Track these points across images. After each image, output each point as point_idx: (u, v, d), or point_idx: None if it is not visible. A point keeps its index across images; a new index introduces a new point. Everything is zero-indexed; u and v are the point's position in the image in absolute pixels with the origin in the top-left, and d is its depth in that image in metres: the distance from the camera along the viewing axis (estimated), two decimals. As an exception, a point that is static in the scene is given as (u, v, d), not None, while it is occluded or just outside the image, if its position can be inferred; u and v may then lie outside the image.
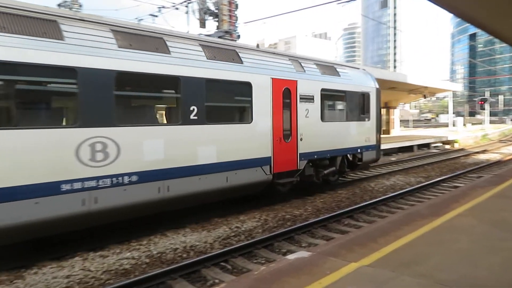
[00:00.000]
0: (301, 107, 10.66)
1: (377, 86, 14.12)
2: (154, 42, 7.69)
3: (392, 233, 5.83)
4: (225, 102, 9.46)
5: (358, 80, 13.23)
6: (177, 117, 7.98)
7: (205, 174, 8.23)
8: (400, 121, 41.97)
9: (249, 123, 9.31)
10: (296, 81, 10.53)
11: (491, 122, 61.03)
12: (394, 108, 35.60)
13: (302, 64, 11.07)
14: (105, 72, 6.73)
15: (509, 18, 10.70)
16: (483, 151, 25.50)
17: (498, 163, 19.19)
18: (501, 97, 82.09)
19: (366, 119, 13.39)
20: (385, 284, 4.06)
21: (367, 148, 13.42)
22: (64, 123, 6.94)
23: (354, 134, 12.80)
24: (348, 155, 12.72)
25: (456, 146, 29.91)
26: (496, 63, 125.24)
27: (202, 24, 18.26)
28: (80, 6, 22.45)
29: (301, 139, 10.60)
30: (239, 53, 9.33)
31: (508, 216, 6.66)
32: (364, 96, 13.26)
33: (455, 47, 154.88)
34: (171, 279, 5.80)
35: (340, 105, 12.65)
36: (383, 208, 10.26)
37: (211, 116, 8.43)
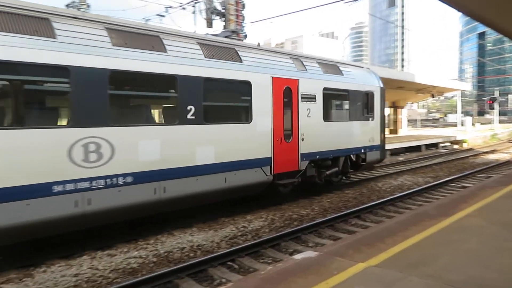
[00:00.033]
0: (303, 106, 10.49)
1: (382, 85, 13.88)
2: (150, 40, 7.57)
3: (400, 233, 5.80)
4: (223, 102, 9.29)
5: (362, 79, 13.00)
6: (174, 117, 7.84)
7: (203, 175, 8.10)
8: (408, 120, 41.72)
9: (249, 123, 9.15)
10: (298, 80, 10.36)
11: (500, 121, 60.43)
12: (402, 107, 35.38)
13: (304, 63, 10.90)
14: (99, 71, 6.62)
15: (519, 16, 10.58)
16: (492, 151, 25.25)
17: (507, 163, 18.98)
18: (510, 96, 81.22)
19: (370, 119, 13.17)
20: (393, 285, 4.03)
21: (371, 148, 13.19)
22: (56, 123, 6.74)
23: (358, 134, 12.58)
24: (352, 156, 12.49)
25: (465, 146, 29.66)
26: (506, 62, 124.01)
27: (209, 24, 18.29)
28: (88, 6, 22.57)
29: (302, 139, 10.43)
30: (238, 52, 9.19)
31: (517, 217, 6.59)
32: (368, 96, 13.04)
33: (463, 46, 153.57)
34: (178, 278, 5.82)
35: (343, 105, 12.46)
36: (391, 208, 10.21)
37: (209, 115, 8.31)
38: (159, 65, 7.44)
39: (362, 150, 12.78)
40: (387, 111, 42.05)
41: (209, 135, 8.25)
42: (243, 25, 18.30)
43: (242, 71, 8.99)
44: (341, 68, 12.22)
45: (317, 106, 10.94)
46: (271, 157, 9.60)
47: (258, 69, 9.38)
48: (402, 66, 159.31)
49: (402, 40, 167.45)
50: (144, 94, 8.29)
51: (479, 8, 9.98)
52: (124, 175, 6.90)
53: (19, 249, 6.70)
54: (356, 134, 12.51)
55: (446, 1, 9.13)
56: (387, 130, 36.16)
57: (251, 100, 9.19)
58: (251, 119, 9.18)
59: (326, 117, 11.30)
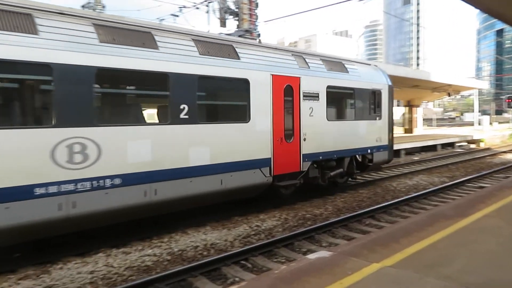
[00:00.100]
0: (305, 105, 10.13)
1: (390, 83, 13.40)
2: (141, 36, 7.30)
3: (415, 233, 5.71)
4: (219, 100, 9.06)
5: (369, 76, 12.55)
6: (165, 116, 7.57)
7: (197, 176, 7.81)
8: (423, 119, 41.13)
9: (246, 122, 8.80)
10: (299, 77, 9.99)
11: (519, 120, 59.06)
12: (417, 106, 34.92)
13: (307, 60, 10.51)
14: (84, 68, 6.35)
15: (539, 13, 10.34)
16: (511, 151, 24.73)
17: (526, 163, 18.57)
18: (529, 95, 79.30)
19: (377, 118, 12.71)
20: (409, 286, 3.98)
21: (378, 148, 12.74)
22: (38, 123, 6.45)
23: (364, 133, 12.14)
24: (357, 156, 12.06)
25: (482, 145, 29.12)
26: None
27: (223, 23, 18.32)
28: (103, 7, 22.84)
29: (304, 139, 10.08)
30: (236, 49, 8.87)
31: (537, 218, 6.43)
32: (375, 94, 12.58)
33: (481, 44, 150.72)
34: (192, 277, 5.85)
35: (348, 103, 12.01)
36: (406, 208, 10.08)
37: (203, 115, 8.09)
38: (150, 62, 7.16)
39: (369, 151, 12.35)
40: (402, 110, 41.55)
41: (203, 135, 7.96)
42: (256, 24, 18.29)
43: (240, 69, 8.66)
44: (346, 66, 11.81)
45: (320, 105, 10.58)
46: (270, 158, 9.28)
47: (256, 66, 9.06)
48: (418, 65, 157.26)
49: (418, 38, 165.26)
50: (134, 92, 7.94)
51: (497, 5, 9.79)
52: (112, 177, 6.65)
53: (36, 246, 6.82)
54: (362, 134, 12.08)
55: (464, -2, 8.98)
56: (402, 129, 35.89)
57: (249, 98, 8.85)
58: (249, 119, 8.85)
59: (330, 116, 10.93)
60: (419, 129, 35.17)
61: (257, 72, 9.02)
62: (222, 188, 8.29)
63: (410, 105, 34.66)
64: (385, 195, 11.73)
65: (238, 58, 8.72)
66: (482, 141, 29.71)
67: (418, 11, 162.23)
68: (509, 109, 54.83)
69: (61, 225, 6.26)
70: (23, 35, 5.83)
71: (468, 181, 13.55)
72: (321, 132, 10.59)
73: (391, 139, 13.37)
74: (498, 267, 4.44)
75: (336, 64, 11.46)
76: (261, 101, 9.10)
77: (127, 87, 7.75)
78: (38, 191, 5.89)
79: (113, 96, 7.86)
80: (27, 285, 5.67)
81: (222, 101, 9.17)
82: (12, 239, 6.02)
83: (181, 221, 8.58)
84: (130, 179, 6.86)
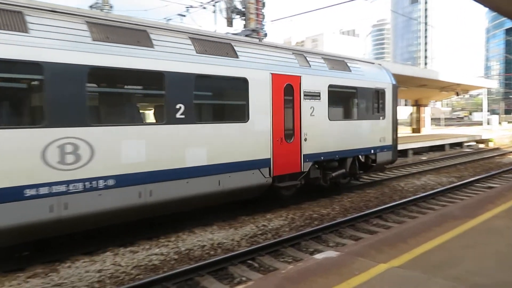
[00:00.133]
0: (306, 104, 9.93)
1: (394, 82, 13.17)
2: (136, 35, 7.17)
3: (423, 234, 5.67)
4: (217, 100, 8.88)
5: (372, 75, 12.34)
6: (161, 116, 7.43)
7: (194, 177, 7.66)
8: (431, 119, 40.84)
9: (245, 122, 8.63)
10: (300, 76, 9.80)
11: (529, 120, 58.44)
12: (425, 106, 34.68)
13: (308, 59, 10.32)
14: (76, 67, 6.21)
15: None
16: (520, 151, 24.46)
17: (536, 163, 18.36)
18: (539, 94, 78.49)
19: (381, 118, 12.49)
20: (417, 287, 3.95)
21: (382, 148, 12.50)
22: (28, 123, 6.28)
23: (367, 133, 11.92)
24: (360, 156, 11.85)
25: (491, 145, 28.85)
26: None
27: (229, 23, 18.33)
28: (111, 7, 22.95)
29: (305, 139, 9.89)
30: (235, 47, 8.70)
31: (547, 219, 6.36)
32: (379, 93, 12.35)
33: (490, 43, 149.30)
34: (199, 276, 5.86)
35: (350, 103, 11.73)
36: (413, 209, 10.01)
37: (200, 114, 7.92)
38: (145, 61, 7.02)
39: (372, 151, 12.12)
40: (410, 109, 41.27)
41: (201, 135, 7.81)
42: (263, 23, 18.27)
43: (238, 67, 8.49)
44: (349, 64, 11.59)
45: (322, 104, 10.38)
46: (270, 158, 9.11)
47: (255, 65, 8.88)
48: (425, 64, 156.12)
49: (425, 37, 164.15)
50: (128, 92, 7.80)
51: (506, 3, 9.68)
52: (105, 178, 6.52)
53: (45, 244, 6.88)
54: (365, 133, 11.85)
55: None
56: (409, 129, 35.63)
57: (247, 98, 8.67)
58: (248, 118, 8.67)
59: (332, 115, 10.70)
60: (427, 128, 34.92)
61: (256, 71, 8.85)
62: (220, 189, 8.15)
63: (417, 104, 34.42)
64: (393, 195, 11.66)
65: (237, 56, 8.58)
66: (491, 141, 29.43)
67: (426, 9, 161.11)
68: (518, 108, 54.22)
69: (53, 227, 6.14)
70: (13, 33, 5.73)
71: (477, 181, 13.42)
72: (322, 132, 10.40)
73: (395, 139, 13.13)
74: (507, 268, 4.39)
75: (338, 63, 11.28)
76: (260, 100, 8.93)
77: (121, 86, 7.62)
78: (29, 192, 5.77)
79: (107, 96, 7.69)
80: (36, 283, 5.72)
81: (220, 100, 9.00)
82: (2, 241, 5.89)
83: (188, 220, 8.61)
84: (124, 180, 6.73)
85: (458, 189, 12.23)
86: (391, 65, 25.57)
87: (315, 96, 10.20)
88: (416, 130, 34.31)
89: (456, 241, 5.33)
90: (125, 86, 7.67)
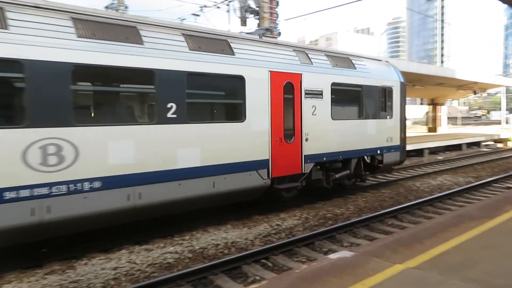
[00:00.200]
0: (307, 103, 9.54)
1: (402, 80, 12.69)
2: (125, 31, 6.90)
3: (440, 234, 5.59)
4: (211, 99, 8.50)
5: (379, 73, 11.85)
6: (151, 115, 7.20)
7: (186, 179, 7.39)
8: (448, 118, 40.21)
9: (242, 121, 8.31)
10: (301, 74, 9.42)
11: (549, 119, 57.02)
12: (442, 104, 34.18)
13: (310, 56, 9.94)
14: (59, 65, 5.97)
15: None
16: (540, 150, 23.91)
17: (557, 163, 17.91)
18: (560, 92, 76.47)
19: (388, 117, 12.00)
20: (433, 288, 3.89)
21: (389, 149, 12.01)
22: (8, 123, 5.95)
23: (373, 133, 11.44)
24: (365, 157, 11.45)
25: (510, 144, 28.28)
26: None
27: (243, 22, 18.35)
28: (126, 7, 23.22)
29: (306, 139, 9.51)
30: (231, 44, 8.40)
31: None
32: (386, 91, 11.88)
33: (509, 40, 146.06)
34: (213, 275, 5.88)
35: (355, 101, 11.23)
36: (429, 209, 9.87)
37: (194, 114, 7.61)
38: (134, 58, 6.77)
39: (378, 151, 11.66)
40: (425, 108, 40.70)
41: (194, 136, 7.53)
42: (277, 22, 18.24)
43: (234, 65, 8.18)
44: (353, 61, 11.17)
45: (324, 103, 9.98)
46: (268, 159, 8.77)
47: (253, 62, 8.55)
48: (442, 62, 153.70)
49: (442, 34, 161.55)
50: (115, 90, 7.52)
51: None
52: (91, 180, 6.27)
53: (62, 242, 6.99)
54: (370, 133, 11.38)
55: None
56: (425, 128, 35.14)
57: (244, 96, 8.33)
58: (245, 118, 8.35)
59: (335, 115, 10.26)
60: (443, 127, 34.41)
61: (253, 68, 8.53)
62: (214, 191, 7.88)
63: (434, 103, 33.95)
64: (408, 195, 11.52)
65: (233, 53, 8.28)
66: (509, 140, 28.86)
67: (442, 7, 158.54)
68: (538, 107, 53.02)
69: (35, 231, 5.92)
70: None
71: (495, 181, 13.15)
72: (325, 132, 10.03)
73: (403, 139, 12.65)
74: (527, 270, 4.29)
75: (342, 60, 10.88)
76: (258, 99, 8.61)
77: (108, 85, 7.35)
78: (8, 195, 5.55)
79: (92, 95, 7.35)
80: (53, 280, 5.82)
81: (214, 99, 8.60)
82: None
83: (202, 219, 8.65)
84: (111, 182, 6.49)
85: (476, 189, 12.01)
86: (406, 63, 25.28)
87: (317, 94, 9.84)
88: (432, 129, 33.86)
89: (473, 242, 5.23)
90: (112, 85, 7.39)
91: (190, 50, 7.60)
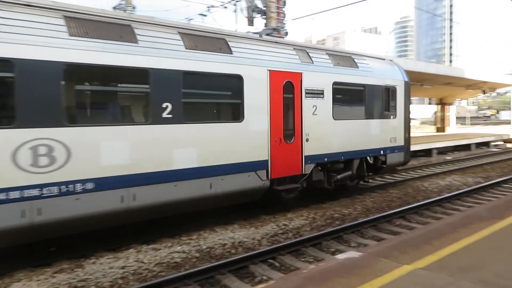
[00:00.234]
0: (307, 103, 9.38)
1: (406, 79, 12.48)
2: (118, 30, 6.81)
3: (449, 235, 5.54)
4: (208, 98, 8.29)
5: (382, 72, 11.67)
6: (145, 115, 7.09)
7: (182, 180, 7.28)
8: (456, 118, 39.89)
9: (240, 121, 8.18)
10: (301, 73, 9.27)
11: (560, 119, 56.29)
12: (450, 104, 33.89)
13: (310, 54, 9.78)
14: (51, 64, 5.88)
15: None
16: (551, 150, 23.61)
17: None
18: None
19: (392, 117, 11.79)
20: (442, 289, 3.86)
21: (393, 149, 11.80)
22: None
23: (376, 133, 11.24)
24: (368, 158, 11.25)
25: (520, 144, 27.95)
26: None
27: (250, 22, 18.35)
28: (134, 8, 23.32)
29: (307, 140, 9.35)
30: (229, 42, 8.28)
31: None
32: (389, 91, 11.67)
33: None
34: (220, 274, 5.89)
35: (357, 101, 11.02)
36: (438, 209, 9.80)
37: (190, 114, 7.48)
38: (127, 57, 6.66)
39: (382, 152, 11.46)
40: (434, 108, 40.37)
41: (190, 136, 7.41)
42: (284, 22, 18.21)
43: (232, 64, 8.05)
44: (356, 60, 10.98)
45: (325, 103, 9.80)
46: (267, 160, 8.63)
47: (251, 61, 8.41)
48: (450, 61, 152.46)
49: (450, 34, 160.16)
50: (108, 90, 7.38)
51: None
52: (84, 181, 6.17)
53: (71, 241, 7.05)
54: (373, 133, 11.18)
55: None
56: (433, 128, 34.86)
57: (242, 96, 8.20)
58: (243, 118, 8.21)
59: (336, 115, 10.08)
60: (452, 127, 34.13)
61: (251, 67, 8.39)
62: (211, 193, 7.76)
63: (442, 103, 33.67)
64: (416, 195, 11.44)
65: (231, 52, 8.16)
66: (519, 140, 28.51)
67: (451, 5, 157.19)
68: (549, 106, 52.40)
69: (25, 233, 5.83)
70: None
71: (505, 181, 13.01)
72: (326, 132, 9.87)
73: (407, 139, 12.45)
74: (538, 272, 4.24)
75: (344, 59, 10.71)
76: (257, 98, 8.46)
77: (101, 84, 7.22)
78: None
79: (85, 94, 7.14)
80: (62, 279, 5.87)
81: (211, 99, 8.38)
82: None
83: (209, 219, 8.67)
84: (104, 184, 6.39)
85: (485, 189, 11.89)
86: (414, 63, 25.11)
87: (318, 94, 9.67)
88: (441, 129, 33.59)
89: (483, 243, 5.18)
90: (105, 84, 7.27)
91: (186, 49, 7.51)
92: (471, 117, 72.02)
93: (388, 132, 11.73)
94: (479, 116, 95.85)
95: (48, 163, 5.85)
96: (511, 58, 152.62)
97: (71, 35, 6.19)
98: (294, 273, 4.62)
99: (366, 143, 10.98)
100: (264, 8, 17.95)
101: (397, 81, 12.14)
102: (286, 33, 17.82)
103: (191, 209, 7.98)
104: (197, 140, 7.53)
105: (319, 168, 10.01)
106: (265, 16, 17.95)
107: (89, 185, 6.24)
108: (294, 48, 9.67)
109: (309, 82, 9.46)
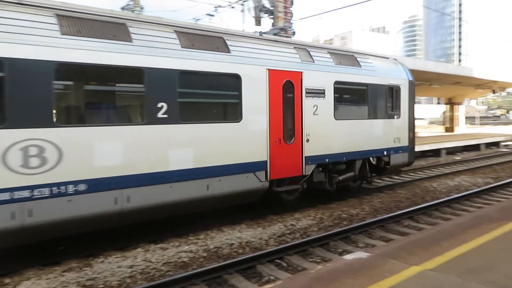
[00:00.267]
0: (308, 103, 9.21)
1: (411, 78, 12.24)
2: (112, 29, 6.70)
3: (457, 236, 5.50)
4: (205, 98, 8.09)
5: (386, 71, 11.46)
6: (140, 115, 6.98)
7: (178, 181, 7.16)
8: (466, 118, 39.51)
9: (238, 121, 8.05)
10: (301, 72, 9.10)
11: None
12: (459, 104, 33.58)
13: (311, 53, 9.62)
14: (42, 63, 5.79)
15: None
16: (562, 151, 23.29)
17: None
18: None
19: (396, 117, 11.58)
20: (451, 291, 3.83)
21: (397, 150, 11.59)
22: None
23: (379, 134, 11.04)
24: (371, 158, 11.07)
25: (530, 144, 27.59)
26: None
27: (258, 22, 18.35)
28: (142, 8, 23.44)
29: (307, 140, 9.19)
30: (227, 41, 8.15)
31: None
32: (393, 90, 11.47)
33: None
34: (227, 274, 5.90)
35: (360, 101, 10.84)
36: (447, 210, 9.71)
37: (186, 114, 7.35)
38: (121, 56, 6.55)
39: (385, 152, 11.26)
40: (442, 108, 40.01)
41: (186, 136, 7.29)
42: (291, 22, 18.18)
43: (229, 63, 7.93)
44: (358, 59, 10.78)
45: (327, 103, 9.62)
46: (266, 161, 8.49)
47: (250, 60, 8.28)
48: (459, 61, 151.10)
49: (460, 33, 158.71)
50: (101, 89, 7.24)
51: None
52: (76, 183, 6.06)
53: (79, 240, 7.11)
54: (376, 134, 10.99)
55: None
56: (442, 128, 34.55)
57: (240, 95, 8.07)
58: (241, 118, 8.09)
59: (338, 114, 9.91)
60: (461, 127, 33.83)
61: (250, 66, 8.25)
62: (208, 194, 7.63)
63: (451, 102, 33.39)
64: (425, 195, 11.35)
65: (228, 51, 8.03)
66: (530, 140, 28.17)
67: (460, 4, 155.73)
68: (560, 106, 51.65)
69: (15, 235, 5.73)
70: None
71: (515, 182, 12.87)
72: (327, 133, 9.69)
73: (412, 140, 12.24)
74: (549, 274, 4.18)
75: (346, 58, 10.52)
76: (255, 98, 8.32)
77: (94, 84, 7.08)
78: None
79: (77, 94, 6.99)
80: (71, 277, 5.92)
81: (208, 98, 8.16)
82: None
83: (216, 218, 8.68)
84: (97, 185, 6.28)
85: (495, 190, 11.76)
86: (423, 62, 24.94)
87: (319, 93, 9.48)
88: (450, 129, 33.31)
89: (492, 244, 5.13)
90: (98, 84, 7.12)
91: (182, 47, 7.39)
92: (480, 117, 71.34)
93: (392, 132, 11.54)
94: (489, 116, 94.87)
95: (39, 164, 5.76)
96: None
97: (63, 34, 6.10)
98: (301, 274, 4.61)
99: (368, 143, 10.80)
100: (272, 8, 17.93)
101: (401, 80, 11.94)
102: (294, 33, 17.79)
103: (188, 211, 7.85)
104: (194, 141, 7.42)
105: (320, 169, 9.89)
106: (272, 16, 17.93)
107: (82, 187, 6.15)
108: (294, 47, 9.53)
109: (309, 81, 9.31)
